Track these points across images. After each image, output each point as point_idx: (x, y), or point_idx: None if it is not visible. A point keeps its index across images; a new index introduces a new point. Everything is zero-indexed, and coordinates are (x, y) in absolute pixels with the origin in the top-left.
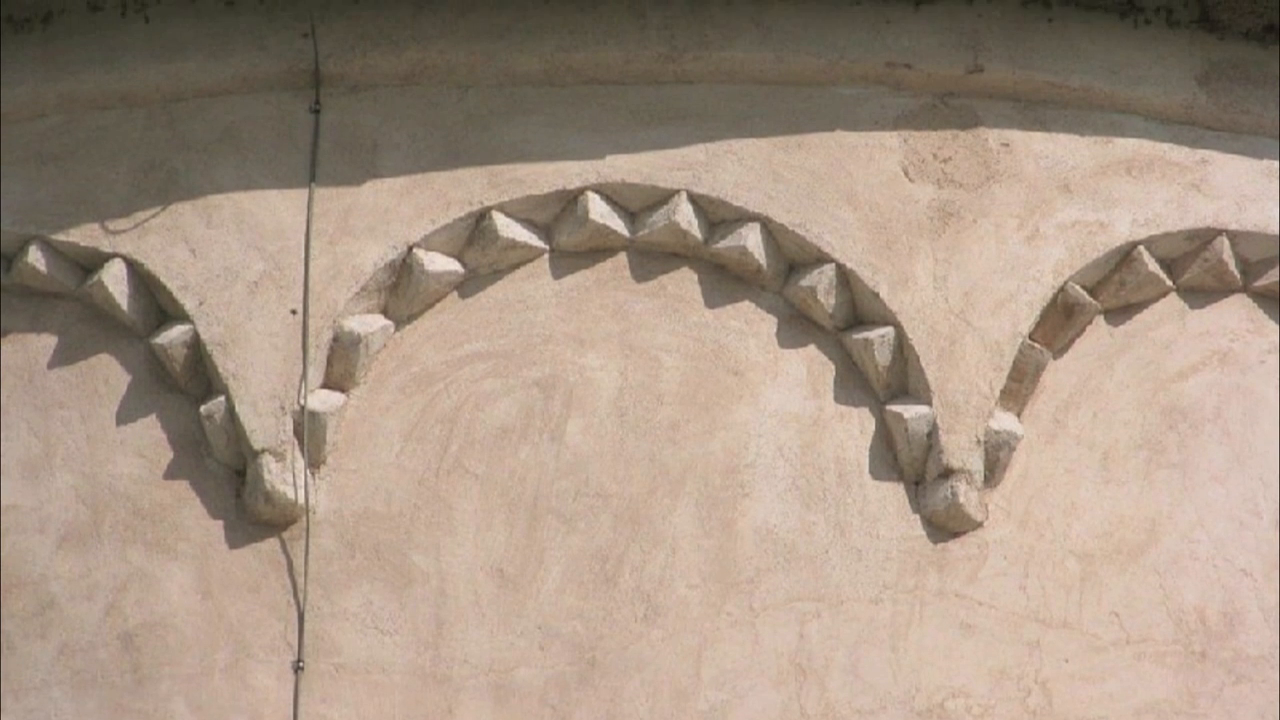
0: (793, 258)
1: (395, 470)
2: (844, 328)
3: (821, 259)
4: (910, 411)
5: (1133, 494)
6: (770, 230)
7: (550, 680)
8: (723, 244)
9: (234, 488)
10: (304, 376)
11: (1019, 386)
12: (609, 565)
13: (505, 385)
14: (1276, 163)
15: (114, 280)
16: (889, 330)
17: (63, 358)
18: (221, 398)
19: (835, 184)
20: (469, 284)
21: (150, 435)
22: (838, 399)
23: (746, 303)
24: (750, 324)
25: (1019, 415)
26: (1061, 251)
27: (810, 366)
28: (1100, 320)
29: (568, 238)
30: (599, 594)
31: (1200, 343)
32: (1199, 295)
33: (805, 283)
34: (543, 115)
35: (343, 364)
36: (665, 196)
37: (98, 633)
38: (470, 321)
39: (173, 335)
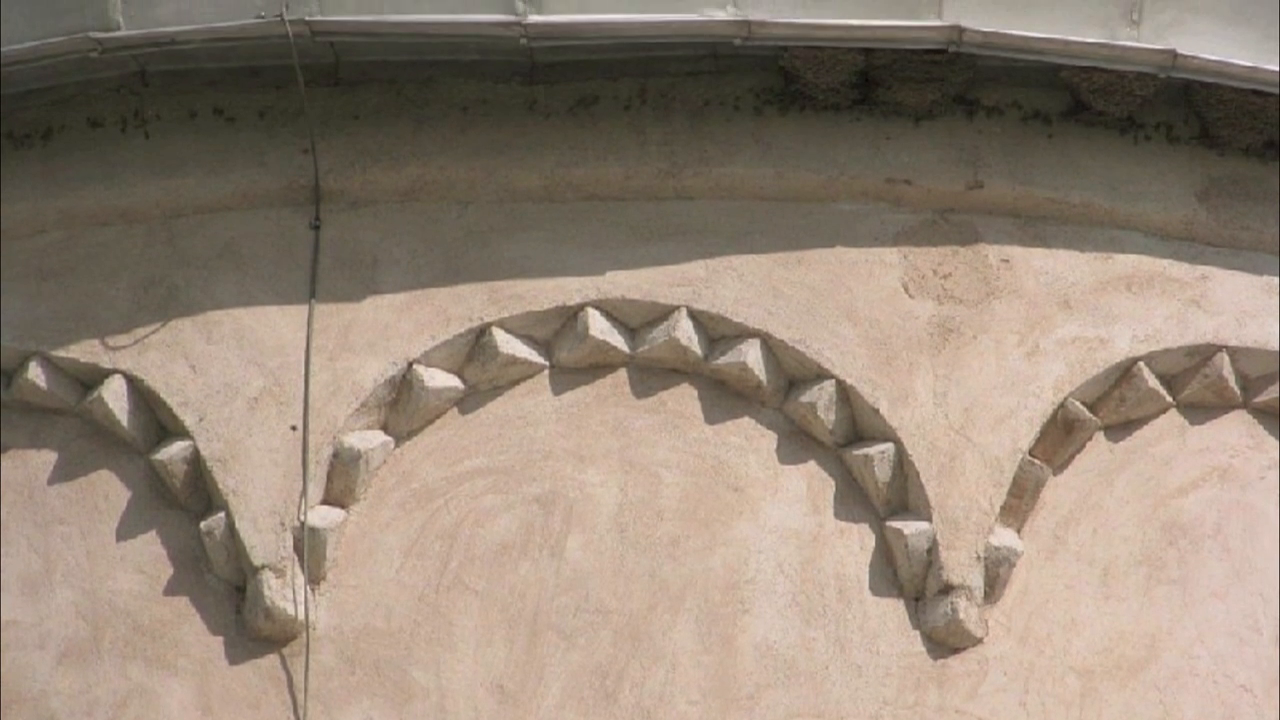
0: (793, 374)
1: (395, 586)
2: (844, 444)
3: (821, 375)
4: (910, 528)
5: (1133, 610)
6: (770, 346)
7: None
8: (723, 360)
9: (234, 604)
10: (304, 492)
11: (1019, 503)
12: (609, 681)
13: (505, 501)
14: (1276, 279)
15: (114, 396)
16: (889, 446)
17: (63, 474)
18: (221, 514)
19: (835, 300)
20: (469, 400)
21: (150, 551)
22: (838, 515)
23: (746, 419)
24: (750, 440)
25: (1019, 531)
26: (1061, 367)
27: (810, 482)
28: (1100, 436)
29: (568, 354)
30: (599, 710)
31: (1200, 459)
32: (1199, 411)
33: (805, 399)
34: (543, 231)
35: (343, 480)
36: (665, 313)
37: None
38: (470, 437)
39: (173, 451)
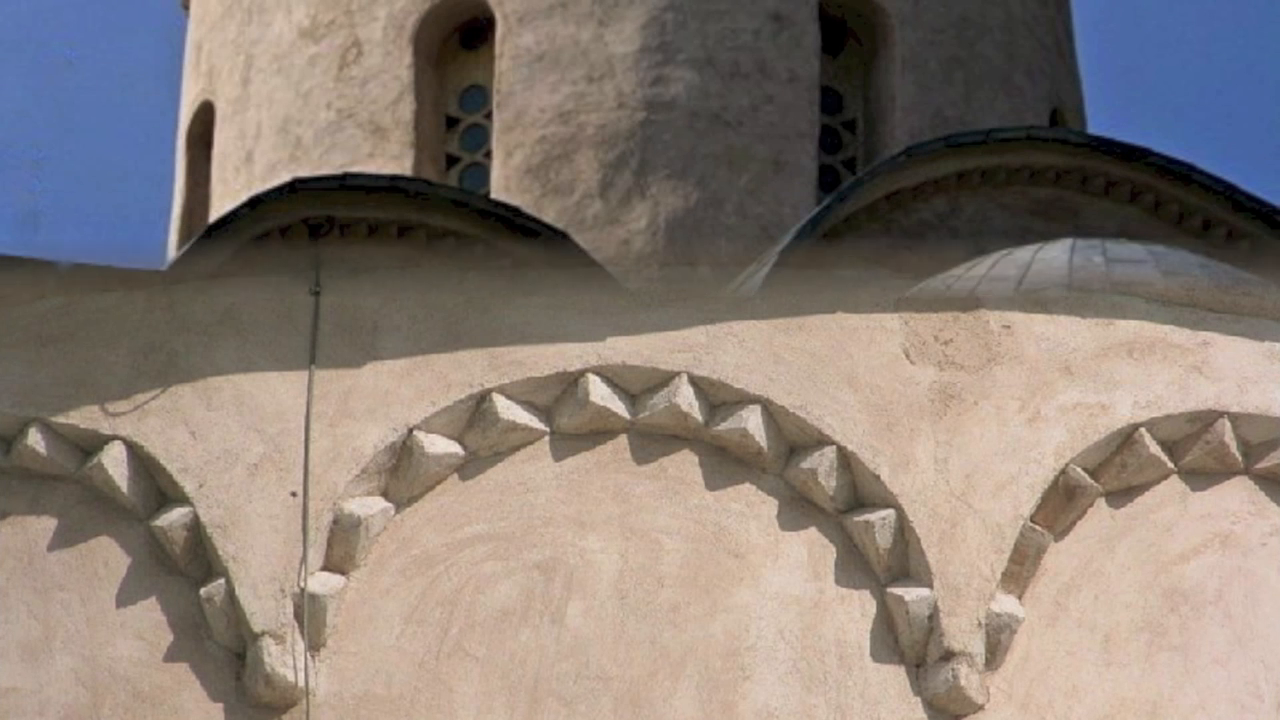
0: (794, 440)
1: (395, 653)
2: (845, 510)
3: (822, 441)
4: (911, 594)
5: (1134, 677)
6: (771, 412)
7: None
8: (723, 426)
9: (234, 670)
10: (304, 559)
11: (1020, 569)
12: None
13: (506, 568)
14: (1278, 345)
15: (114, 463)
16: (890, 513)
17: (62, 540)
18: (221, 580)
19: (836, 366)
20: (469, 466)
21: (150, 618)
22: (839, 581)
23: (747, 485)
24: (751, 506)
25: (1020, 598)
26: (1063, 434)
27: (811, 549)
28: (1101, 502)
29: (568, 420)
30: None
31: (1202, 525)
32: (1200, 477)
33: (806, 465)
34: (543, 297)
35: (343, 546)
36: (666, 379)
37: None
38: (471, 504)
39: (173, 518)
